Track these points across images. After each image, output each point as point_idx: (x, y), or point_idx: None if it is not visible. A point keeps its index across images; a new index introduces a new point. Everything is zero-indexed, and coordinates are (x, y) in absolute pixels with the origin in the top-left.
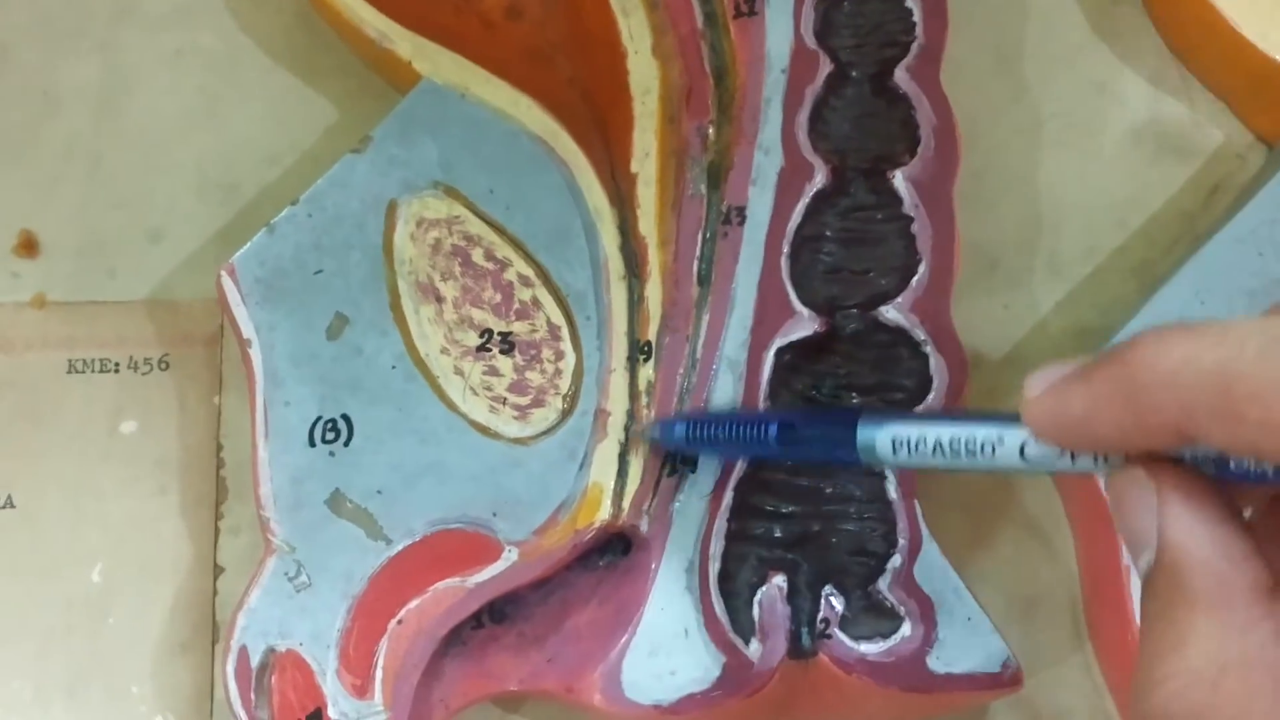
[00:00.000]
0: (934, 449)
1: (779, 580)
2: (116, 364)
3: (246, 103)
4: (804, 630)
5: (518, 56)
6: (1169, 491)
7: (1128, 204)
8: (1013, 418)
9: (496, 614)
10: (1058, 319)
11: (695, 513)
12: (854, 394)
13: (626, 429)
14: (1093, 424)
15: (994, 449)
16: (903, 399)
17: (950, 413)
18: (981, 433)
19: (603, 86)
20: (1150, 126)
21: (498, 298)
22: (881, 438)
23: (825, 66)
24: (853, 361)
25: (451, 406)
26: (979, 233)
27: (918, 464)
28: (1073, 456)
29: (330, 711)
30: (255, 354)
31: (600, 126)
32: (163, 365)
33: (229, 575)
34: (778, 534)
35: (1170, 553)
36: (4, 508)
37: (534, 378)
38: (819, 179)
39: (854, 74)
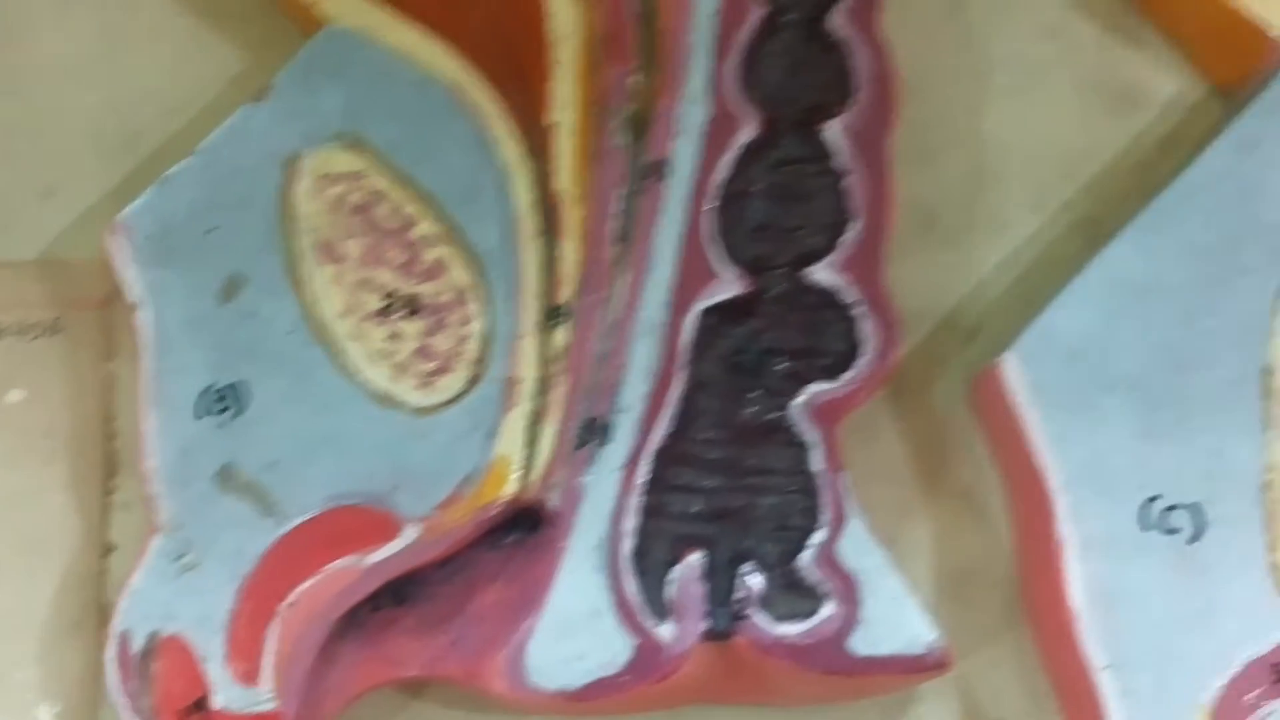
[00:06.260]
0: None
1: (695, 557)
2: (2, 328)
3: (147, 49)
4: (720, 611)
5: None
6: None
7: (1077, 156)
8: None
9: (397, 595)
10: (999, 278)
11: (608, 486)
12: (780, 359)
13: (537, 397)
14: None
15: None
16: (830, 364)
17: None
18: None
19: (520, 31)
20: (1102, 76)
21: (403, 257)
22: None
23: (758, 10)
24: (779, 324)
25: (351, 374)
26: (918, 187)
27: None
28: None
29: (215, 700)
30: (145, 317)
31: (518, 74)
32: (53, 329)
33: (120, 553)
34: (695, 509)
35: None
36: None
37: (440, 343)
38: (748, 130)
39: (788, 18)
